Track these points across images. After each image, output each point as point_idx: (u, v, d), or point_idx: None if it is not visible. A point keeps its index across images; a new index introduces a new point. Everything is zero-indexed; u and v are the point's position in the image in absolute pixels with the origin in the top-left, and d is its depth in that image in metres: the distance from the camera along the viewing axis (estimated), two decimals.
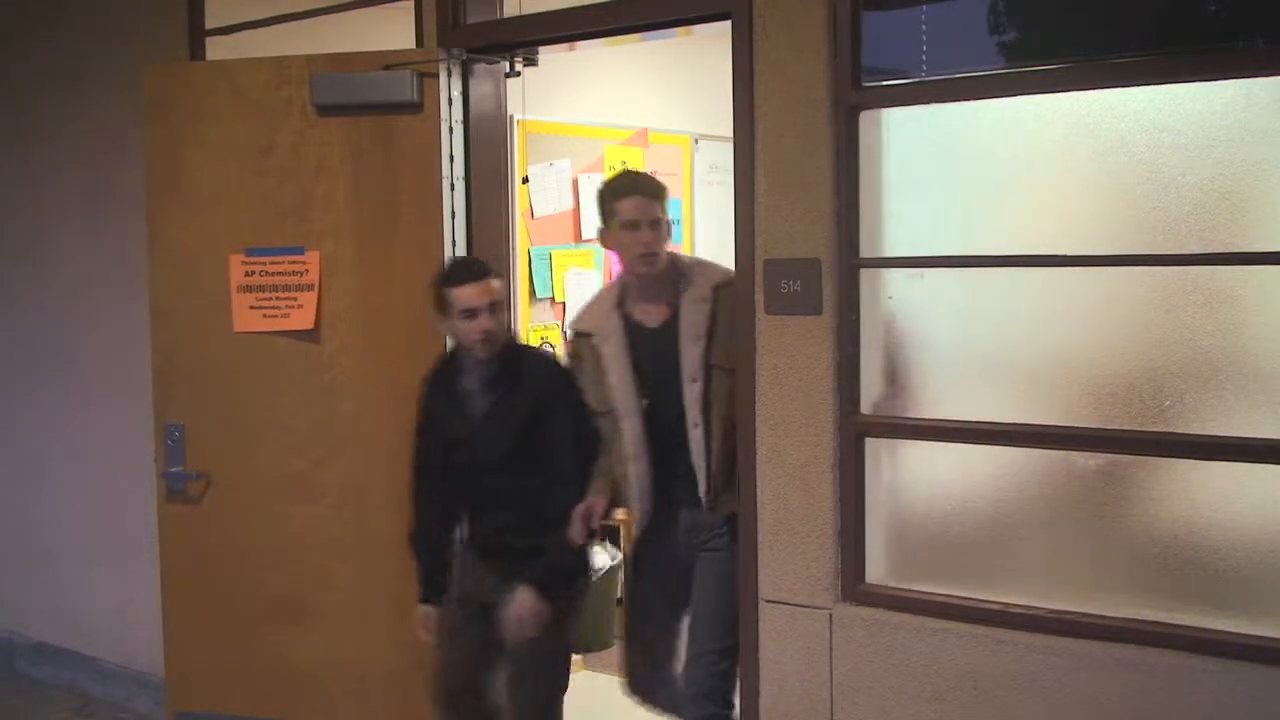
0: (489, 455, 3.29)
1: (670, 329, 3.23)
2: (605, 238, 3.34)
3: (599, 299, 3.41)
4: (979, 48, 2.91)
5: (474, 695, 3.41)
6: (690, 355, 3.18)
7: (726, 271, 3.21)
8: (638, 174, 3.39)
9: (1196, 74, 2.62)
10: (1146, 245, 2.70)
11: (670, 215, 3.32)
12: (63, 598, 5.10)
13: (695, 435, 3.18)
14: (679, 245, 5.89)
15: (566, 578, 3.33)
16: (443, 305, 3.30)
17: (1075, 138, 2.80)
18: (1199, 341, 2.65)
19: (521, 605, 3.21)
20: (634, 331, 3.28)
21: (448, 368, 3.41)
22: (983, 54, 2.90)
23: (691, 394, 3.17)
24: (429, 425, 3.42)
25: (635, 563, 3.45)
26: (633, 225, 3.23)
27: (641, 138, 5.56)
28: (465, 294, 3.23)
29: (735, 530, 3.19)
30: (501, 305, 3.28)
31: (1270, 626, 2.57)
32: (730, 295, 3.16)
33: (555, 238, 5.24)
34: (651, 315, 3.29)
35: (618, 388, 3.24)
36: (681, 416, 3.20)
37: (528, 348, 3.67)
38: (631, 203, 3.24)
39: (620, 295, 3.33)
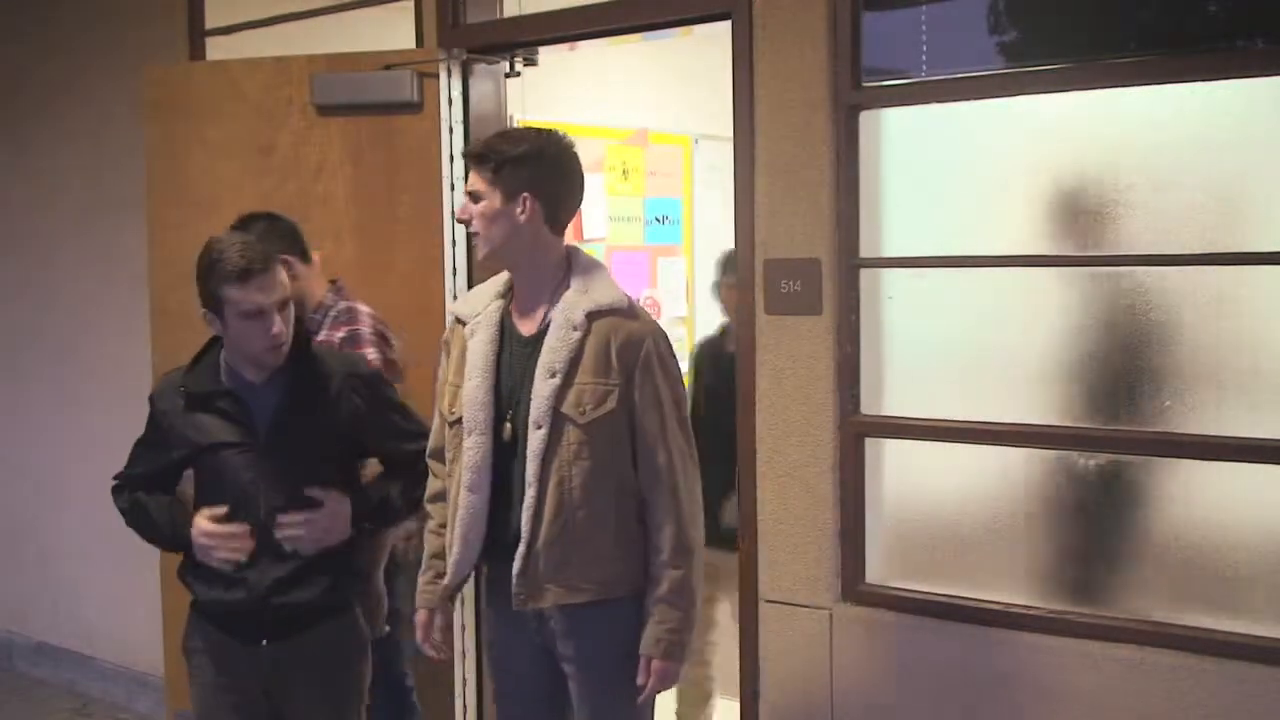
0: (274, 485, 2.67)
1: (536, 347, 2.51)
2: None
3: (488, 282, 2.68)
4: (979, 48, 2.90)
5: None
6: (539, 392, 2.46)
7: (616, 299, 2.50)
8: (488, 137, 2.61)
9: (1196, 74, 2.62)
10: (1146, 245, 2.70)
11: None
12: (63, 598, 5.10)
13: (528, 496, 2.46)
14: (677, 246, 5.89)
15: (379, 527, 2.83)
16: (213, 304, 2.63)
17: (1075, 138, 2.80)
18: (1199, 341, 2.65)
19: (333, 511, 2.66)
20: (508, 332, 2.57)
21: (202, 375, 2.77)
22: (983, 54, 2.90)
23: (534, 443, 2.45)
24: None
25: (489, 646, 2.73)
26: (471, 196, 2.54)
27: (641, 138, 5.55)
28: (248, 293, 2.59)
29: (613, 630, 2.51)
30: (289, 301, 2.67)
31: (1270, 626, 2.57)
32: (610, 332, 2.46)
33: None
34: (525, 320, 2.56)
35: (471, 395, 2.52)
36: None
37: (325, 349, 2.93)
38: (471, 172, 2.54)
39: (509, 284, 2.62)
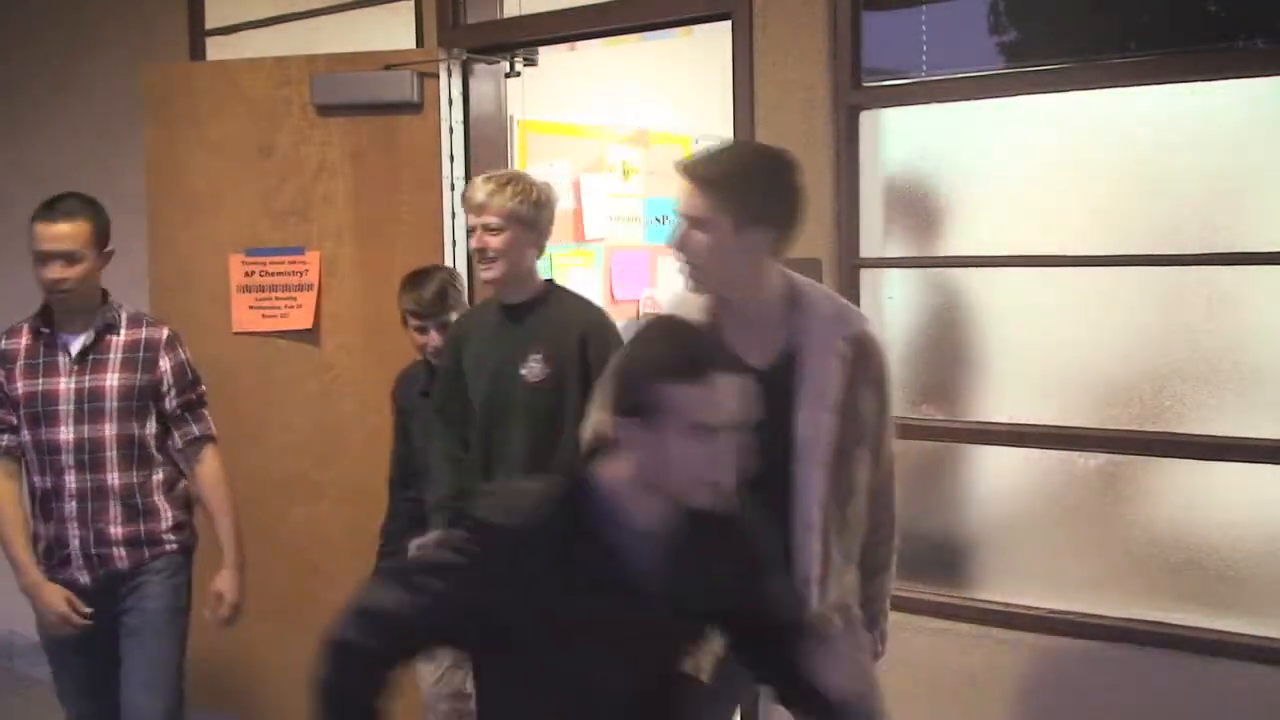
0: None
1: (780, 378, 2.17)
2: None
3: (692, 299, 2.30)
4: (979, 48, 2.91)
5: None
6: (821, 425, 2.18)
7: (850, 312, 2.30)
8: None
9: (1197, 74, 2.62)
10: (1146, 245, 2.70)
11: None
12: None
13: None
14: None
15: None
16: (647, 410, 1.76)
17: (1075, 138, 2.80)
18: (1199, 341, 2.65)
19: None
20: None
21: None
22: (983, 54, 2.90)
23: (815, 480, 2.21)
24: None
25: None
26: None
27: (641, 138, 5.55)
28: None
29: None
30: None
31: (1270, 626, 2.56)
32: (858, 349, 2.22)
33: (555, 238, 5.19)
34: (753, 350, 2.13)
35: None
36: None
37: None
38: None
39: (713, 308, 2.27)
